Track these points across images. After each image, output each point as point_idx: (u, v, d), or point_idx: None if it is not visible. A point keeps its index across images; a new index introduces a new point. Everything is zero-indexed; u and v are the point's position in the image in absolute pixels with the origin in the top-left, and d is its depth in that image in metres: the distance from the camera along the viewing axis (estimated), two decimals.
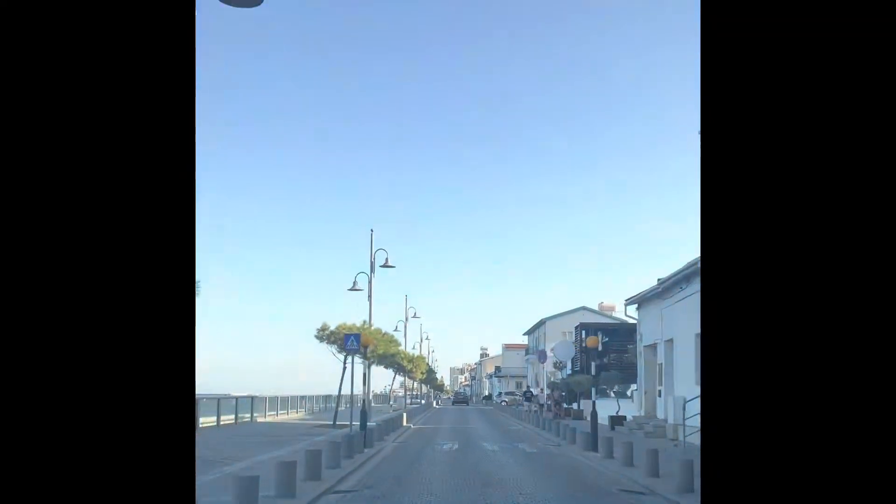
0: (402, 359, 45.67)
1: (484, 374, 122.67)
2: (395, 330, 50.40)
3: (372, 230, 31.06)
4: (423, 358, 49.16)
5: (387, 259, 29.75)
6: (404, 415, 29.43)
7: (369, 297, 30.43)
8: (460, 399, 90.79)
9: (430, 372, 68.44)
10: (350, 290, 29.58)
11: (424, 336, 70.74)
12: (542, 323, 69.45)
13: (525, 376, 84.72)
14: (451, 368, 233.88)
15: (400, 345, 28.32)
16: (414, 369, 46.51)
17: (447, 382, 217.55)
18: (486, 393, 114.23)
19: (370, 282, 30.59)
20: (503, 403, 63.92)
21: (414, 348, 57.18)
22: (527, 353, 77.70)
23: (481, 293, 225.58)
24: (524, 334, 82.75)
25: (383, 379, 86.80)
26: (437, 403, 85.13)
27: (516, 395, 66.63)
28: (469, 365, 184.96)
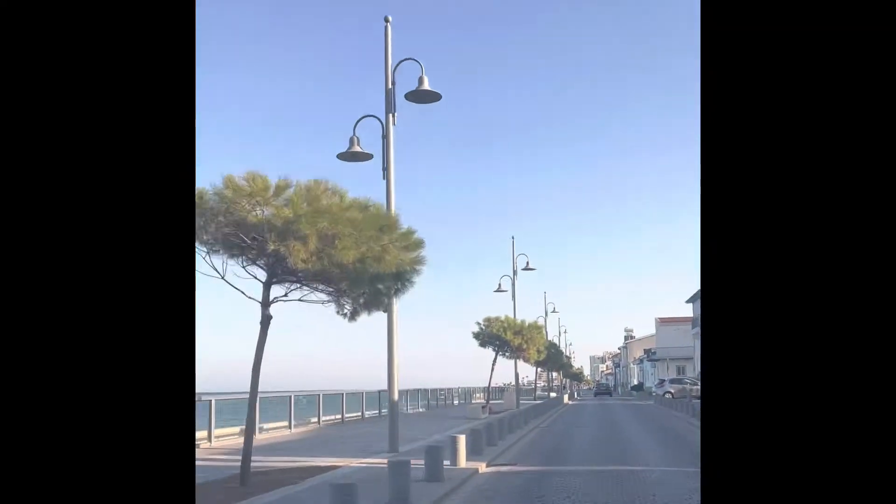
0: (504, 328, 27.52)
1: (631, 360, 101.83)
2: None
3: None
4: (540, 328, 30.45)
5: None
6: (461, 439, 11.32)
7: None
8: (602, 390, 79.78)
9: (557, 353, 49.74)
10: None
11: (550, 307, 52.45)
12: None
13: (690, 358, 63.73)
14: (590, 357, 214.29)
15: (422, 247, 11.00)
16: (525, 345, 28.29)
17: (587, 372, 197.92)
18: (635, 381, 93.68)
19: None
20: (667, 396, 44.10)
21: (555, 336, 38.85)
22: (694, 326, 56.93)
23: (621, 271, 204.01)
24: (687, 302, 61.84)
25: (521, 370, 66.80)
26: (574, 397, 66.22)
27: (687, 382, 46.43)
28: (610, 353, 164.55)
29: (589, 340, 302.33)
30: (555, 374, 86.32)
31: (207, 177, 9.32)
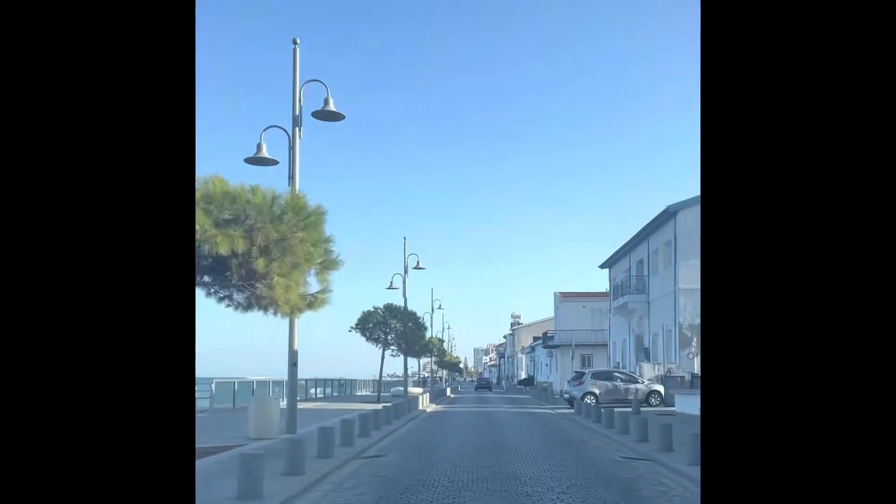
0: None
1: (519, 349, 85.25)
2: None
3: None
4: (319, 217, 11.15)
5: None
6: None
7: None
8: (482, 384, 75.91)
9: (417, 327, 30.81)
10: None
11: (412, 260, 34.19)
12: (662, 223, 31.30)
13: (604, 343, 46.87)
14: (474, 349, 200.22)
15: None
16: (256, 257, 9.06)
17: (471, 364, 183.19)
18: (524, 375, 77.17)
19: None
20: (588, 400, 26.36)
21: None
22: (615, 298, 39.66)
23: (508, 248, 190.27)
24: (603, 266, 44.81)
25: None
26: (448, 394, 47.97)
27: (619, 378, 28.42)
28: (494, 345, 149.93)
29: (475, 332, 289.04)
30: (424, 364, 68.16)
31: None
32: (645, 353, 34.60)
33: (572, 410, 25.29)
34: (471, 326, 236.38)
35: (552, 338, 54.14)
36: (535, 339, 73.25)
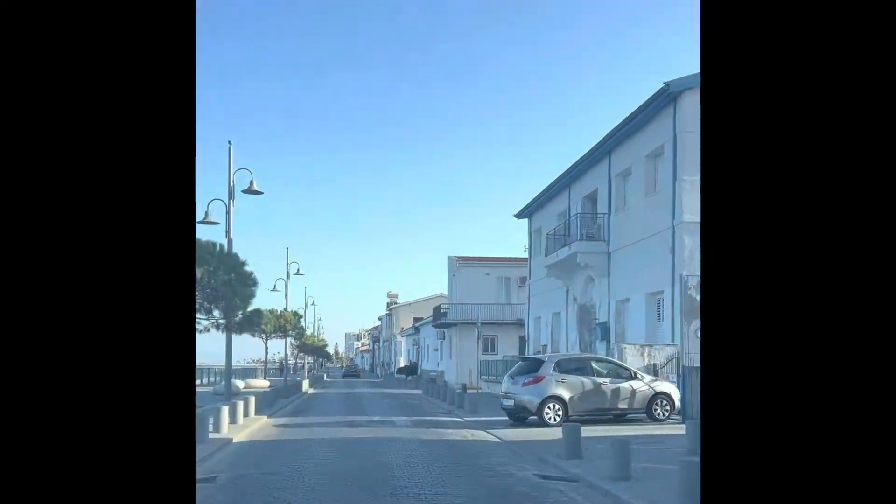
0: None
1: (397, 331, 72.54)
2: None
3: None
4: None
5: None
6: None
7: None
8: (351, 372, 72.05)
9: (239, 279, 17.13)
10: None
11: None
12: (653, 114, 19.09)
13: (513, 322, 34.73)
14: (346, 334, 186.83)
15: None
16: None
17: (342, 350, 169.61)
18: (404, 362, 64.73)
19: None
20: (551, 414, 13.77)
21: None
22: (548, 253, 26.95)
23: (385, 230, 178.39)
24: (522, 215, 32.46)
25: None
26: (303, 388, 34.45)
27: (603, 375, 16.14)
28: (367, 329, 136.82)
29: (347, 319, 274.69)
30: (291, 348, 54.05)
31: None
32: (601, 331, 22.70)
33: (544, 436, 12.36)
34: (343, 313, 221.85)
35: (445, 314, 41.67)
36: (417, 319, 60.94)
